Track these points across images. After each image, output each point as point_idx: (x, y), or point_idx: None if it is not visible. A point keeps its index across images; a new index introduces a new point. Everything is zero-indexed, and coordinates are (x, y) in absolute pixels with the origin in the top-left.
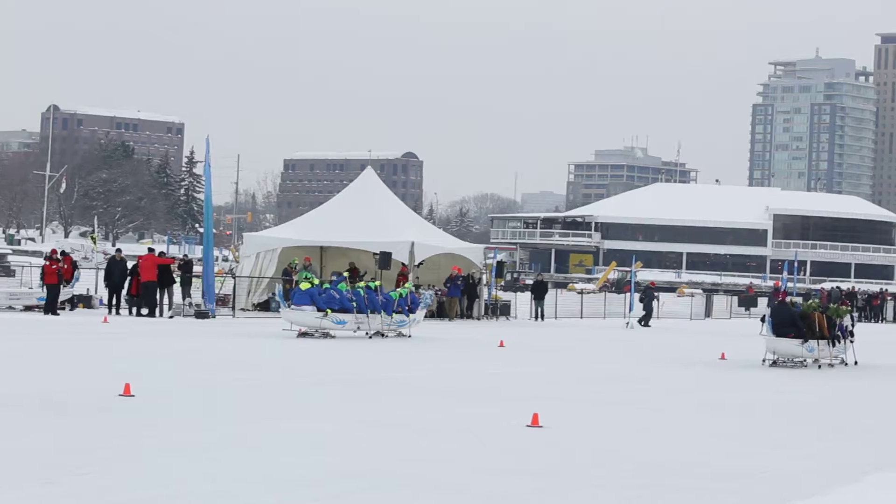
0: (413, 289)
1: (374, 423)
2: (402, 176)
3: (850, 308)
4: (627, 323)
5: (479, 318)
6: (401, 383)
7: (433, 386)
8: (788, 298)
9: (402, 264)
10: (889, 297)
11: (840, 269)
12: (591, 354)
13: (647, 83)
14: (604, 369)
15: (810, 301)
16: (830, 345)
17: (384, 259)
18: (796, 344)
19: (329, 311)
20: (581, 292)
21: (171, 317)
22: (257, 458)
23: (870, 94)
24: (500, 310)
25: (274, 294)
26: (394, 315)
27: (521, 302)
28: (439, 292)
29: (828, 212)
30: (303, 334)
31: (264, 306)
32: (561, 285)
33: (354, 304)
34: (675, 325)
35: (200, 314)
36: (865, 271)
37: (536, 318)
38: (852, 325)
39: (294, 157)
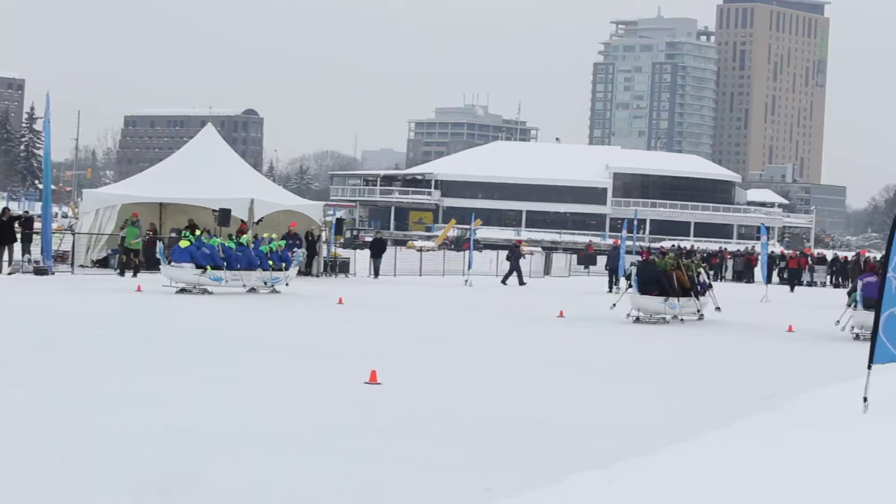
0: (282, 245)
1: (215, 380)
2: (243, 133)
3: (703, 262)
4: (466, 280)
5: (317, 276)
6: (245, 339)
7: (274, 342)
8: (651, 256)
9: (242, 221)
10: (728, 256)
11: (680, 228)
12: (429, 311)
13: (489, 41)
14: (442, 326)
15: (666, 258)
16: (696, 298)
17: (223, 216)
18: (660, 301)
19: (208, 268)
20: (420, 250)
21: (10, 273)
22: (77, 415)
23: (711, 54)
24: (339, 267)
25: (114, 251)
26: (270, 272)
27: (361, 259)
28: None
29: (668, 171)
30: (182, 290)
31: (103, 263)
32: (401, 243)
33: (225, 261)
34: (515, 282)
35: (39, 271)
36: (705, 230)
37: (373, 275)
38: (708, 279)
39: (135, 114)
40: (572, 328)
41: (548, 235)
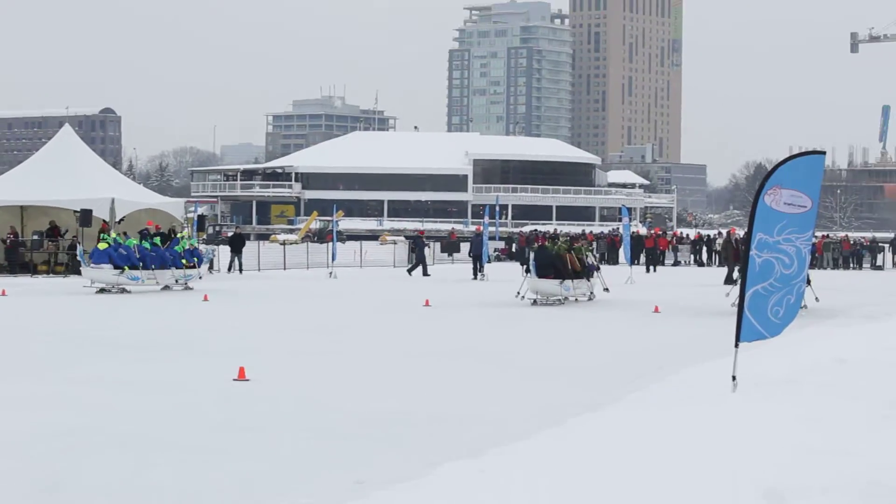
0: (195, 245)
1: (79, 381)
2: (101, 132)
3: (590, 246)
4: (331, 273)
5: None
6: (110, 339)
7: (138, 342)
8: (546, 243)
9: (103, 221)
10: (591, 239)
11: (542, 212)
12: (295, 305)
13: (340, 33)
14: (309, 319)
15: (560, 243)
16: (587, 280)
17: (85, 216)
18: (555, 284)
19: (126, 268)
20: (284, 243)
21: None
22: None
23: (566, 37)
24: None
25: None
26: (184, 269)
27: (224, 255)
28: (213, 250)
29: (527, 155)
30: (101, 290)
31: None
32: (264, 237)
33: (141, 261)
34: (380, 273)
35: None
36: (567, 213)
37: (232, 269)
38: (596, 261)
39: None
40: (438, 316)
41: (410, 224)
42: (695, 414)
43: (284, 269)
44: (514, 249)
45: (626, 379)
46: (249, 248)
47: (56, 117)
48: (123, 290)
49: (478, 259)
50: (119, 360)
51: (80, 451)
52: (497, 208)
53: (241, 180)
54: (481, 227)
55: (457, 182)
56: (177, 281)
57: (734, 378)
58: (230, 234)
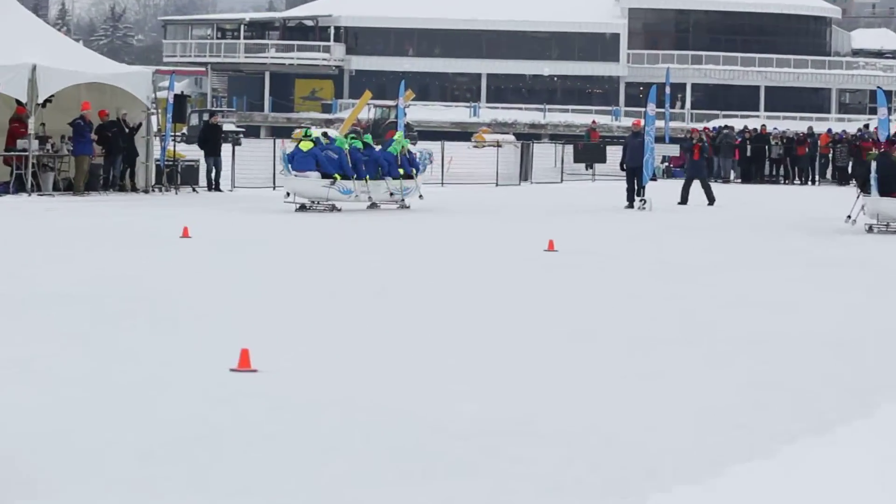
0: (406, 146)
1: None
2: None
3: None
4: (392, 194)
5: (145, 191)
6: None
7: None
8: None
9: (18, 103)
10: (826, 143)
11: (741, 97)
12: (328, 252)
13: None
14: (348, 277)
15: None
16: None
17: None
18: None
19: (337, 177)
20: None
21: None
22: None
23: None
24: (180, 176)
25: None
26: (400, 180)
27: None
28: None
29: (718, 4)
30: (302, 207)
31: None
32: (282, 132)
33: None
34: (473, 194)
35: None
36: (782, 99)
37: (211, 186)
38: None
39: None
40: (573, 269)
41: (524, 115)
42: None
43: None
44: (695, 158)
45: None
46: (253, 149)
47: None
48: (333, 208)
49: (635, 175)
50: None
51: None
52: (667, 89)
53: (245, 38)
54: (641, 122)
55: (600, 46)
56: (391, 195)
57: None
58: (234, 126)
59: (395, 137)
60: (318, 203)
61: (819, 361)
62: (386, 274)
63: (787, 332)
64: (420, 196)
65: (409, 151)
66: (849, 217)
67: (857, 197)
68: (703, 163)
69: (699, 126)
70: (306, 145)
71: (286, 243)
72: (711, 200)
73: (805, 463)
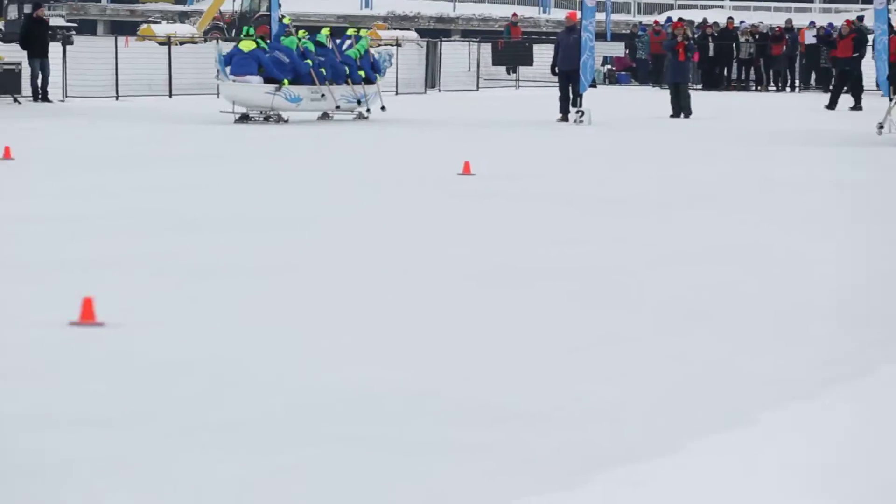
0: (366, 48)
1: None
2: None
3: None
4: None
5: None
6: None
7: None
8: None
9: None
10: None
11: None
12: (191, 181)
13: None
14: (221, 208)
15: None
16: None
17: None
18: None
19: (285, 81)
20: (169, 41)
21: None
22: None
23: None
24: None
25: None
26: (359, 85)
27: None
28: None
29: None
30: (243, 118)
31: None
32: (125, 27)
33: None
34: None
35: None
36: None
37: (37, 95)
38: None
39: None
40: (492, 198)
41: (428, 6)
42: None
43: (169, 94)
44: (679, 59)
45: None
46: (88, 48)
47: None
48: (279, 119)
49: (570, 80)
50: None
51: None
52: None
53: None
54: (576, 15)
55: None
56: (349, 102)
57: None
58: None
59: (362, 35)
60: (262, 113)
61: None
62: (277, 204)
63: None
64: (382, 107)
65: (369, 52)
66: (881, 127)
67: (892, 102)
68: (688, 65)
69: (648, 19)
70: (247, 45)
71: (142, 162)
72: (688, 112)
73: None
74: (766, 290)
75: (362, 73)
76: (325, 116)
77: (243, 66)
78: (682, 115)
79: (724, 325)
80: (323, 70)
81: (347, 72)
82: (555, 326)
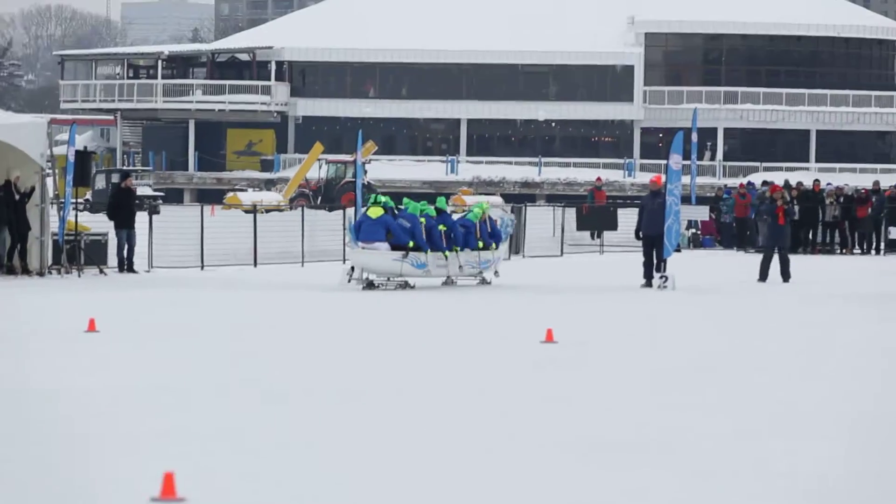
0: (485, 211)
1: None
2: None
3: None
4: (350, 273)
5: (41, 273)
6: None
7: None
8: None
9: None
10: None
11: (787, 143)
12: (280, 351)
13: None
14: (303, 380)
15: None
16: None
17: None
18: None
19: (411, 244)
20: (254, 208)
21: None
22: None
23: None
24: (83, 254)
25: None
26: (479, 251)
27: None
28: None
29: (756, 24)
30: (370, 285)
31: None
32: (212, 196)
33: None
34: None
35: None
36: (836, 147)
37: (123, 266)
38: None
39: None
40: (574, 369)
41: (514, 171)
42: None
43: (254, 263)
44: (779, 223)
45: None
46: (175, 218)
47: None
48: (406, 285)
49: (653, 245)
50: None
51: None
52: (695, 137)
53: (163, 77)
54: (661, 178)
55: (610, 82)
56: (469, 269)
57: None
58: (152, 190)
59: (479, 203)
60: (389, 280)
61: None
62: (360, 373)
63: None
64: (496, 273)
65: (490, 218)
66: None
67: None
68: (787, 230)
69: (733, 182)
70: (375, 212)
71: (230, 331)
72: (787, 277)
73: None
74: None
75: (480, 242)
76: (449, 281)
77: (372, 232)
78: (783, 280)
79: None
80: (451, 234)
81: (466, 238)
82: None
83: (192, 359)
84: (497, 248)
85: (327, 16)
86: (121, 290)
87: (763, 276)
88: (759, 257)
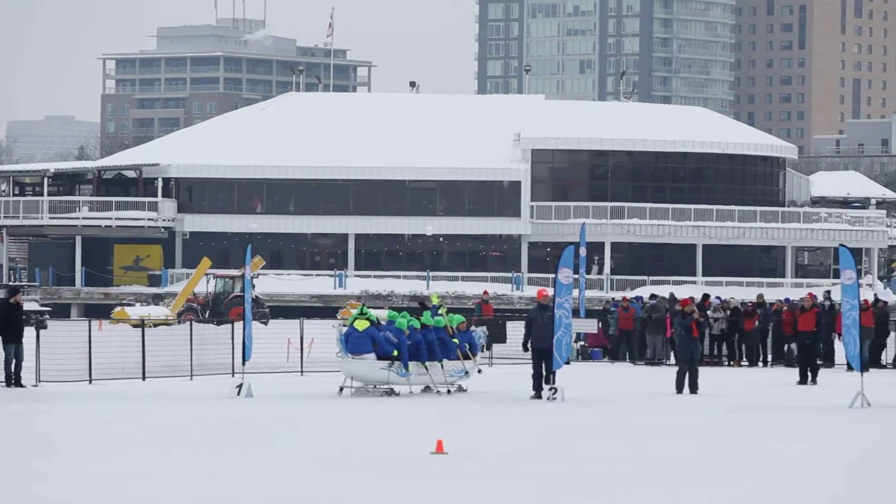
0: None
1: None
2: None
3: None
4: (239, 387)
5: None
6: None
7: None
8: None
9: None
10: (780, 313)
11: (675, 258)
12: (161, 473)
13: None
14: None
15: None
16: None
17: None
18: None
19: (396, 352)
20: (143, 323)
21: None
22: None
23: None
24: None
25: None
26: (459, 360)
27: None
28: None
29: (642, 140)
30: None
31: None
32: (99, 310)
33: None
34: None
35: None
36: (724, 260)
37: (11, 380)
38: None
39: None
40: (465, 479)
41: (402, 285)
42: None
43: (143, 377)
44: (694, 335)
45: None
46: (62, 333)
47: None
48: (391, 392)
49: (543, 357)
50: None
51: None
52: (583, 251)
53: (50, 193)
54: (547, 292)
55: (497, 197)
56: (453, 376)
57: None
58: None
59: (441, 308)
60: (374, 387)
61: None
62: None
63: None
64: (479, 370)
65: (470, 329)
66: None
67: None
68: (699, 342)
69: (620, 295)
70: (362, 324)
71: (120, 445)
72: (695, 388)
73: None
74: None
75: (459, 352)
76: (427, 389)
77: (360, 344)
78: (691, 392)
79: None
80: (432, 348)
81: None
82: None
83: (79, 474)
84: (473, 357)
85: (214, 133)
86: (6, 403)
87: (679, 388)
88: (646, 370)
